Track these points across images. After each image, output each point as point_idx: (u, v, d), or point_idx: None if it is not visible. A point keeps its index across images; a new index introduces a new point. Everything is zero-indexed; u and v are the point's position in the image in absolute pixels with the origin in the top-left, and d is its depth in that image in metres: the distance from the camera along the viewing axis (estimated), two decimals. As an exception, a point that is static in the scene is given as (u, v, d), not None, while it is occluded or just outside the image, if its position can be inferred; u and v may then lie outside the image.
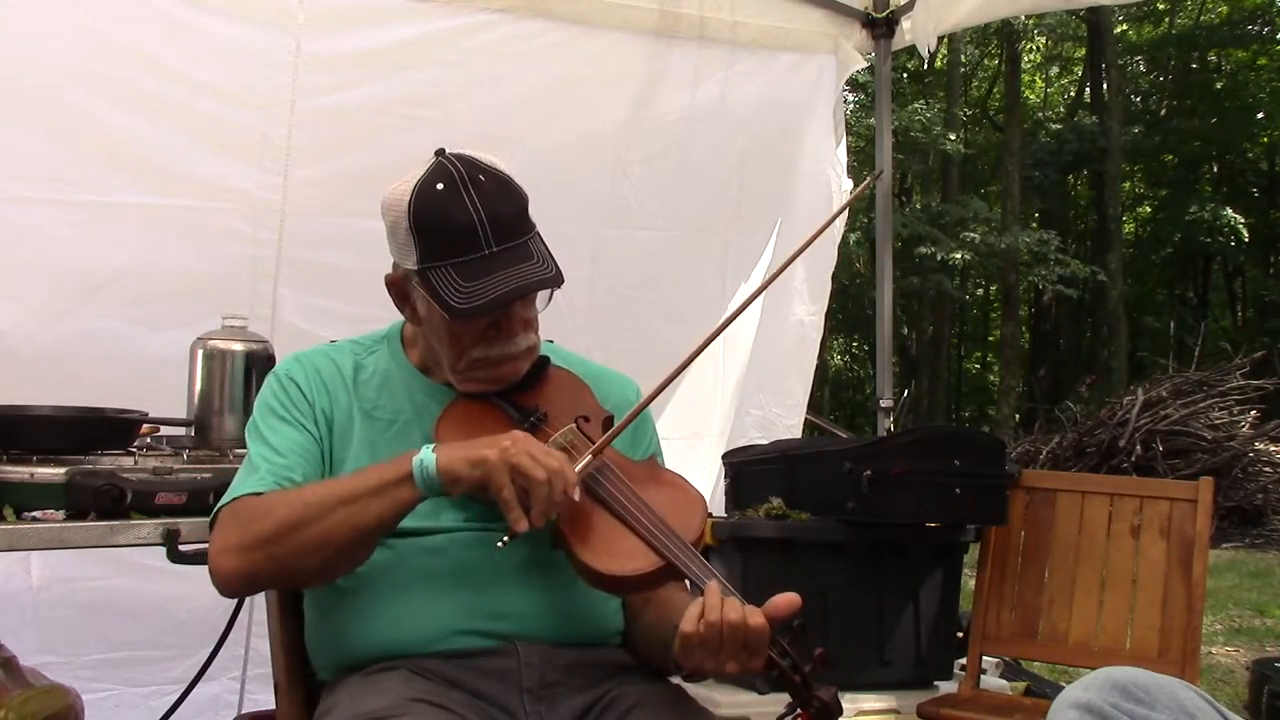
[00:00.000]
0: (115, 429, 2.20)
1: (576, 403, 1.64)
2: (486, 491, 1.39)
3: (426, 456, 1.41)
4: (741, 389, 4.01)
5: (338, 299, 3.17)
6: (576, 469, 1.44)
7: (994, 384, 22.55)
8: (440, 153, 1.55)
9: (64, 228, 2.91)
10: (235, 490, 1.51)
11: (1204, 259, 21.74)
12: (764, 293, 3.92)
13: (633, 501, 1.47)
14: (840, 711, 1.37)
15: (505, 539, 1.38)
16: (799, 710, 1.36)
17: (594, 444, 1.54)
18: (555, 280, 1.52)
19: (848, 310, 20.85)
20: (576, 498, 1.40)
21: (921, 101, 19.31)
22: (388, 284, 1.62)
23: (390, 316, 1.70)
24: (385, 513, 1.43)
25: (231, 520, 1.47)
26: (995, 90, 23.70)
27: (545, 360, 1.66)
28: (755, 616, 1.33)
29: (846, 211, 4.06)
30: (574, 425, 1.58)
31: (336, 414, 1.59)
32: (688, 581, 1.43)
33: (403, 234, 1.52)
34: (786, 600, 1.34)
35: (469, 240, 1.49)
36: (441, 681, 1.45)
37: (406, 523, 1.52)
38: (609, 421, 1.63)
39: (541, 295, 1.59)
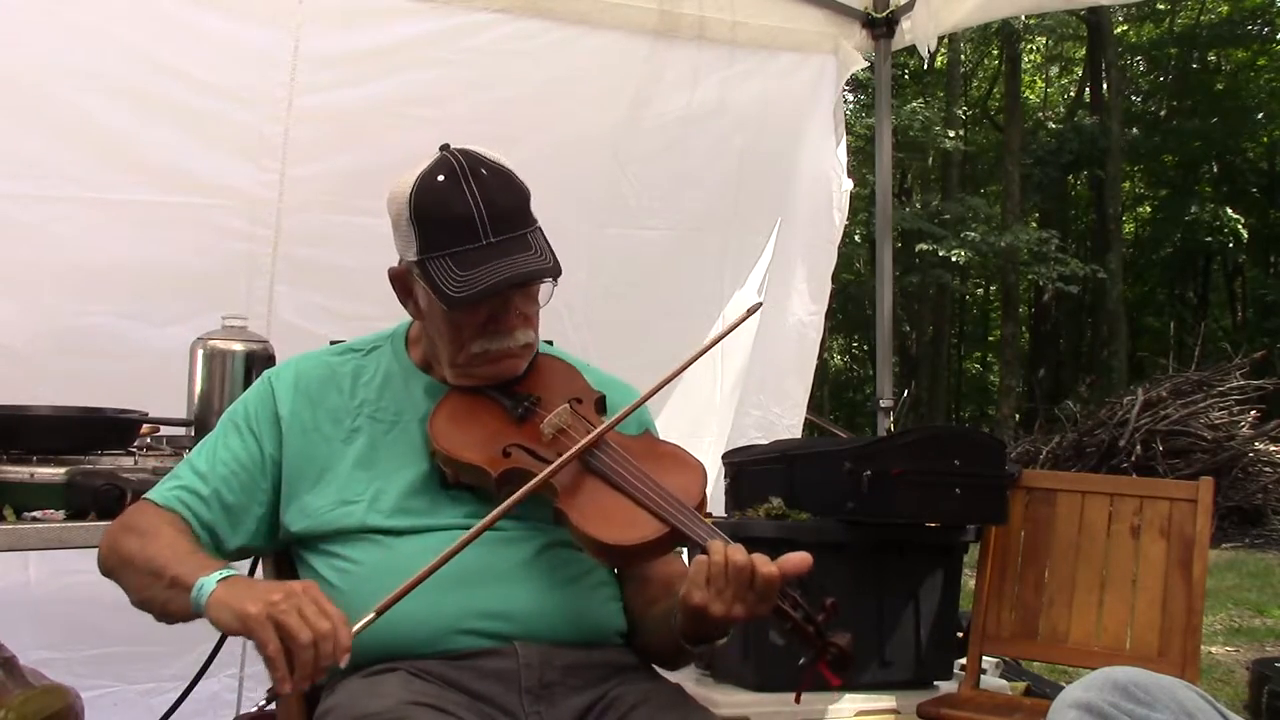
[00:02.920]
0: (115, 429, 2.20)
1: (568, 386, 1.65)
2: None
3: (207, 586, 1.36)
4: (741, 389, 4.01)
5: (334, 295, 3.19)
6: (560, 460, 1.45)
7: (994, 384, 22.54)
8: (445, 147, 1.56)
9: (62, 224, 2.92)
10: (154, 490, 1.58)
11: (1204, 259, 21.73)
12: (763, 294, 4.00)
13: (632, 472, 1.48)
14: (855, 658, 1.38)
15: (265, 698, 1.31)
16: (816, 660, 1.38)
17: (589, 424, 1.55)
18: (552, 271, 1.53)
19: (848, 310, 20.85)
20: (343, 664, 1.29)
21: (921, 101, 19.31)
22: (391, 278, 1.63)
23: (386, 312, 1.70)
24: (168, 604, 1.44)
25: (127, 517, 1.57)
26: (995, 90, 23.69)
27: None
28: (766, 565, 1.35)
29: (846, 213, 4.05)
30: (568, 407, 1.59)
31: (322, 422, 1.60)
32: (694, 547, 1.43)
33: (404, 225, 1.54)
34: (798, 557, 1.37)
35: (467, 230, 1.50)
36: (441, 683, 1.45)
37: (404, 521, 1.53)
38: (601, 402, 1.64)
39: (542, 293, 1.60)
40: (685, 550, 1.53)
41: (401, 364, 1.66)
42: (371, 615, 1.34)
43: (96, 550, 1.57)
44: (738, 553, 1.35)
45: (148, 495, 1.58)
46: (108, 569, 1.54)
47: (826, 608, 1.38)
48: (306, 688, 1.29)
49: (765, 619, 1.38)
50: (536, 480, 1.45)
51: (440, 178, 1.51)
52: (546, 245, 1.55)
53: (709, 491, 1.57)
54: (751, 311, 1.71)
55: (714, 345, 1.71)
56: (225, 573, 1.39)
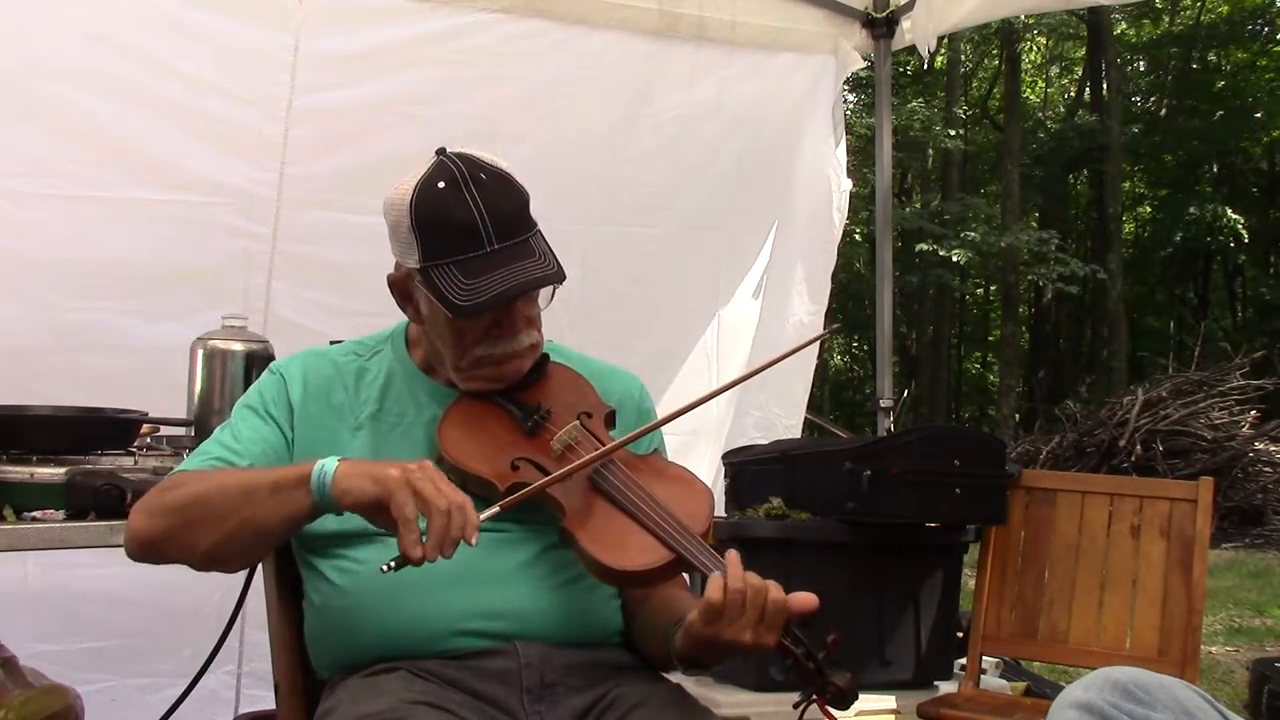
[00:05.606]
0: (115, 429, 2.20)
1: (579, 399, 1.64)
2: (381, 514, 1.32)
3: (329, 464, 1.37)
4: (741, 389, 4.00)
5: (331, 292, 3.21)
6: (570, 467, 1.45)
7: (994, 384, 22.54)
8: (441, 152, 1.55)
9: (61, 222, 2.92)
10: (179, 465, 1.55)
11: (1204, 259, 21.73)
12: (762, 293, 4.00)
13: (640, 495, 1.48)
14: (856, 696, 1.39)
15: (391, 564, 1.29)
16: (815, 696, 1.38)
17: (598, 440, 1.55)
18: (557, 277, 1.52)
19: (848, 310, 20.83)
20: (473, 544, 1.30)
21: (921, 100, 19.30)
22: (390, 284, 1.62)
23: (383, 309, 1.70)
24: (278, 513, 1.40)
25: (157, 487, 1.51)
26: (995, 90, 23.68)
27: (545, 357, 1.66)
28: (776, 589, 1.36)
29: (845, 213, 4.05)
30: (577, 422, 1.58)
31: (327, 418, 1.59)
32: (697, 574, 1.43)
33: (405, 233, 1.52)
34: (804, 597, 1.38)
35: (471, 238, 1.49)
36: (441, 683, 1.45)
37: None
38: (611, 417, 1.63)
39: (544, 293, 1.59)
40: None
41: (404, 365, 1.66)
42: (495, 509, 1.37)
43: (123, 537, 1.49)
44: (753, 576, 1.36)
45: (180, 467, 1.55)
46: (150, 539, 1.45)
47: (828, 645, 1.38)
48: (434, 558, 1.29)
49: (767, 652, 1.39)
50: (535, 486, 1.45)
51: (440, 184, 1.50)
52: (548, 249, 1.55)
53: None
54: (759, 367, 1.71)
55: (733, 386, 1.72)
56: (338, 457, 1.39)
